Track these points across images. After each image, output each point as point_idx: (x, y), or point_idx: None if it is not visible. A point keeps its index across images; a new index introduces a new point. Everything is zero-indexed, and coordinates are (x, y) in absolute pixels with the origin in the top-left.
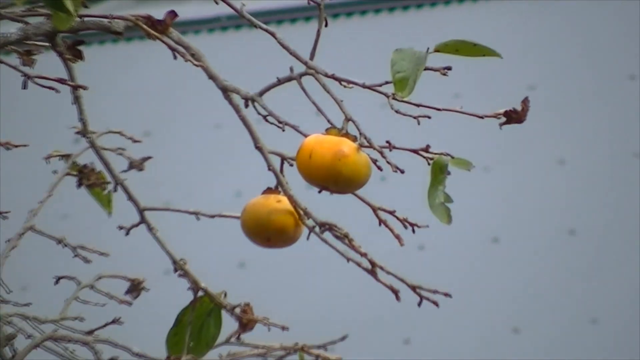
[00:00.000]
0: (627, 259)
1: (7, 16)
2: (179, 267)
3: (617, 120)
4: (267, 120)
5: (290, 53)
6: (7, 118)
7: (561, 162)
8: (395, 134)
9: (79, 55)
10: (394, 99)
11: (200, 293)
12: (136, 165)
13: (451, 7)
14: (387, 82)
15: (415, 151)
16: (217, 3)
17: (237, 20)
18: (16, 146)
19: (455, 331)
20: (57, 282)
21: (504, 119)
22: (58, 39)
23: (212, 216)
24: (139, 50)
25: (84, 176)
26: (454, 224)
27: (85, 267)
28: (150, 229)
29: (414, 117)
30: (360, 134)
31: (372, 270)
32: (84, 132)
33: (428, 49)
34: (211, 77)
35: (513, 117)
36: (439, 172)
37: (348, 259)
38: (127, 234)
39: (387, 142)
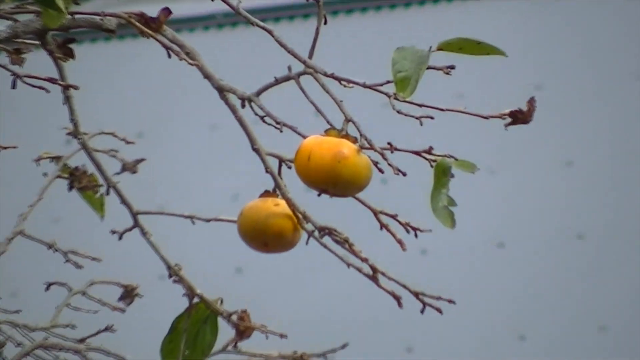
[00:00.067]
0: (636, 263)
1: None
2: (173, 273)
3: (626, 120)
4: (264, 121)
5: (288, 52)
6: None
7: (568, 163)
8: (397, 135)
9: (70, 54)
10: (395, 99)
11: (195, 299)
12: (129, 167)
13: (454, 5)
14: (388, 82)
15: (417, 153)
16: (212, 0)
17: (234, 18)
18: (5, 148)
19: (459, 338)
20: (47, 288)
21: (509, 120)
22: (48, 37)
23: (208, 220)
24: (132, 49)
25: (76, 179)
26: (457, 228)
27: (76, 273)
28: (144, 233)
29: (416, 118)
30: (361, 135)
31: (374, 276)
32: (75, 133)
33: (431, 47)
34: (207, 76)
35: (519, 117)
36: (442, 174)
37: (348, 265)
38: (120, 238)
39: (389, 143)
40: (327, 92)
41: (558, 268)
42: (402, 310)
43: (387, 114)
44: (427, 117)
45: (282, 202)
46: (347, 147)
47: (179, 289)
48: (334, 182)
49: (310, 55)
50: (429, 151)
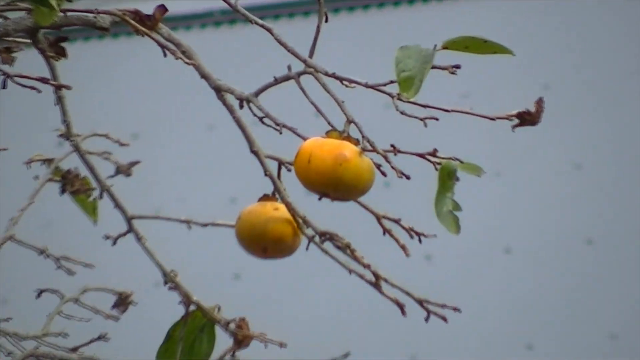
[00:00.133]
0: None
1: None
2: (169, 279)
3: (637, 122)
4: (263, 122)
5: (288, 50)
6: None
7: (577, 166)
8: (401, 137)
9: (62, 53)
10: (398, 99)
11: (192, 307)
12: (123, 170)
13: (459, 2)
14: (391, 82)
15: (421, 155)
16: None
17: (231, 15)
18: None
19: (465, 347)
20: (39, 295)
21: (516, 121)
22: (40, 35)
23: (205, 225)
24: (127, 48)
25: (68, 182)
26: (463, 234)
27: (69, 280)
28: (138, 238)
29: (421, 119)
30: (363, 137)
31: (376, 282)
32: (67, 135)
33: (435, 46)
34: (203, 76)
35: (526, 118)
36: (447, 178)
37: (350, 271)
38: (114, 243)
39: (392, 145)
40: (328, 92)
41: (566, 274)
42: (405, 318)
43: (390, 114)
44: (431, 118)
45: (282, 207)
46: (348, 150)
47: (175, 296)
48: (335, 186)
49: (311, 54)
50: (434, 153)
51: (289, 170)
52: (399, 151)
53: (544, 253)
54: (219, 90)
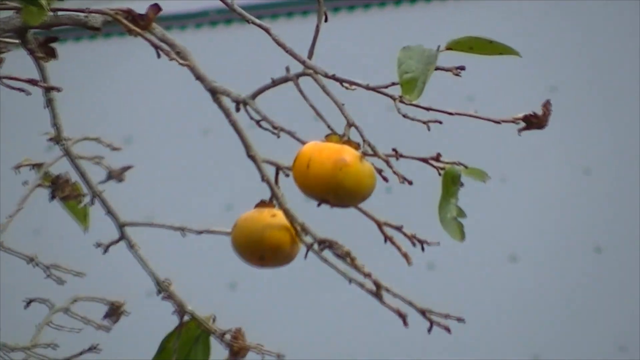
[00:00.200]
0: None
1: None
2: (163, 288)
3: None
4: (260, 126)
5: (286, 51)
6: None
7: (586, 171)
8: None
9: (52, 54)
10: (401, 102)
11: (186, 317)
12: (115, 175)
13: (463, 2)
14: (393, 84)
15: (424, 160)
16: None
17: (228, 15)
18: None
19: (469, 358)
20: (28, 305)
21: (523, 124)
22: (29, 35)
23: (200, 232)
24: (119, 48)
25: (58, 188)
26: (467, 241)
27: (59, 289)
28: (131, 246)
29: (424, 122)
30: (364, 140)
31: (377, 292)
32: (57, 139)
33: (439, 46)
34: (198, 77)
35: (533, 122)
36: (451, 183)
37: (350, 280)
38: (106, 251)
39: (394, 149)
40: (328, 94)
41: (574, 283)
42: (407, 328)
43: (392, 118)
44: (435, 121)
45: (280, 213)
46: (349, 154)
47: (169, 306)
48: (335, 191)
49: (310, 55)
50: (437, 158)
51: (287, 175)
52: (401, 155)
53: (551, 261)
54: (214, 93)
